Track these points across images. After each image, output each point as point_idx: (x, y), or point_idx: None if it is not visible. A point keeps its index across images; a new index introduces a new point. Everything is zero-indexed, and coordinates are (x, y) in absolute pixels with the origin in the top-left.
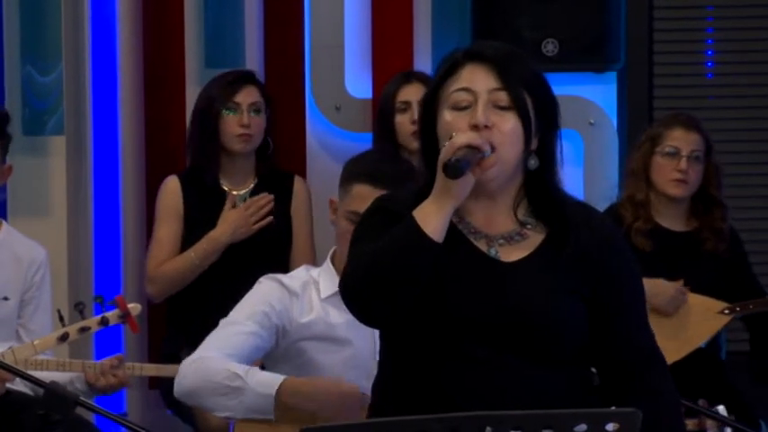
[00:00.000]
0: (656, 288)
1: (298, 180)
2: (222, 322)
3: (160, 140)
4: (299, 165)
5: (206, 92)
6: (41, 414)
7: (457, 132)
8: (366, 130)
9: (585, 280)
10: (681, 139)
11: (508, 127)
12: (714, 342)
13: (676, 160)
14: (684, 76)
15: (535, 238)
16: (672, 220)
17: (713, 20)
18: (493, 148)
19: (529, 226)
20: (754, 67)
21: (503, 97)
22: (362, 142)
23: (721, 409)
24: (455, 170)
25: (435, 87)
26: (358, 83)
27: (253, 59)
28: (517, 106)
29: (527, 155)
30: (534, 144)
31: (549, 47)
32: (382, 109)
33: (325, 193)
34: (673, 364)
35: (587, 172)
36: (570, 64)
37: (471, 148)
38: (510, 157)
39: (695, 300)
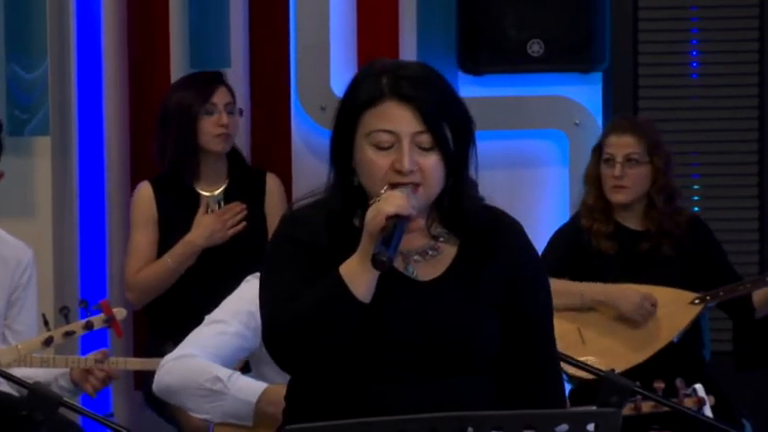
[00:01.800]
0: (624, 293)
1: (270, 177)
2: (207, 319)
3: (145, 141)
4: (284, 165)
5: (179, 95)
6: (25, 415)
7: (384, 193)
8: None
9: (499, 290)
10: (613, 145)
11: (431, 167)
12: (697, 341)
13: (610, 167)
14: (669, 77)
15: (449, 251)
16: (631, 220)
17: (697, 20)
18: (417, 186)
19: (441, 239)
20: (739, 68)
21: (426, 140)
22: None
23: (699, 387)
24: (384, 266)
25: (352, 111)
26: (343, 83)
27: (237, 60)
28: (440, 146)
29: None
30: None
31: (535, 47)
32: None
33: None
34: (652, 362)
35: (573, 172)
36: (555, 64)
37: (399, 216)
38: (433, 192)
39: (664, 293)
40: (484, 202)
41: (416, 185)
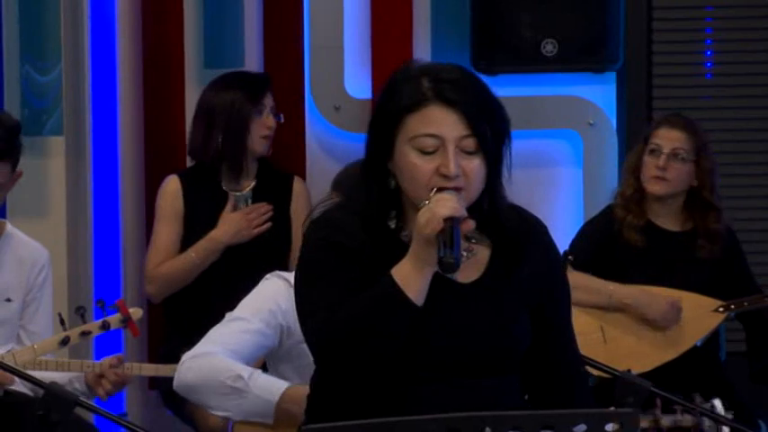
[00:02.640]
0: (650, 298)
1: (297, 181)
2: (228, 316)
3: (159, 141)
4: (298, 165)
5: (229, 94)
6: (41, 414)
7: (435, 196)
8: (365, 131)
9: (531, 292)
10: (663, 137)
11: (475, 170)
12: (713, 342)
13: (656, 157)
14: (683, 77)
15: (483, 253)
16: (665, 219)
17: (712, 20)
18: (458, 190)
19: (474, 240)
20: (753, 68)
21: (471, 144)
22: (362, 142)
23: (717, 402)
24: (453, 268)
25: (394, 115)
26: (357, 83)
27: (252, 60)
28: (484, 150)
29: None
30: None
31: (549, 47)
32: None
33: (324, 192)
34: (670, 363)
35: (586, 172)
36: (569, 64)
37: (452, 219)
38: (475, 194)
39: (689, 298)
40: (509, 202)
41: (459, 189)
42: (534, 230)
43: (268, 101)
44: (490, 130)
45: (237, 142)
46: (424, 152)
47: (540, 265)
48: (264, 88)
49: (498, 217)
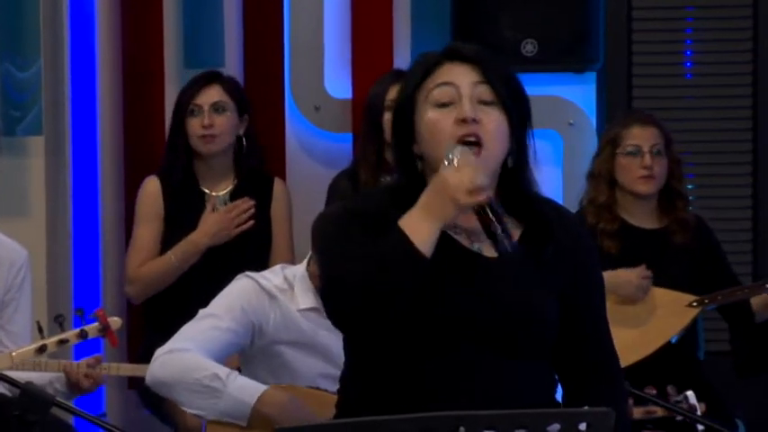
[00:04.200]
0: (619, 278)
1: (278, 182)
2: (200, 313)
3: (139, 141)
4: (278, 165)
5: (177, 95)
6: (17, 415)
7: (461, 156)
8: (346, 131)
9: (561, 278)
10: (640, 137)
11: (494, 122)
12: (691, 340)
13: (639, 158)
14: (663, 77)
15: (513, 234)
16: (641, 218)
17: (692, 20)
18: (479, 144)
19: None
20: (733, 68)
21: (486, 91)
22: (342, 142)
23: (690, 394)
24: (503, 246)
25: (411, 89)
26: (337, 83)
27: (232, 59)
28: (501, 100)
29: (509, 152)
30: (512, 143)
31: (529, 47)
32: (371, 107)
33: (305, 193)
34: (647, 362)
35: (566, 172)
36: (549, 64)
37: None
38: (497, 154)
39: (663, 294)
40: (542, 195)
41: (479, 147)
42: (567, 219)
43: (206, 99)
44: (508, 93)
45: (176, 142)
46: (440, 105)
47: (571, 252)
48: (200, 86)
49: (529, 199)
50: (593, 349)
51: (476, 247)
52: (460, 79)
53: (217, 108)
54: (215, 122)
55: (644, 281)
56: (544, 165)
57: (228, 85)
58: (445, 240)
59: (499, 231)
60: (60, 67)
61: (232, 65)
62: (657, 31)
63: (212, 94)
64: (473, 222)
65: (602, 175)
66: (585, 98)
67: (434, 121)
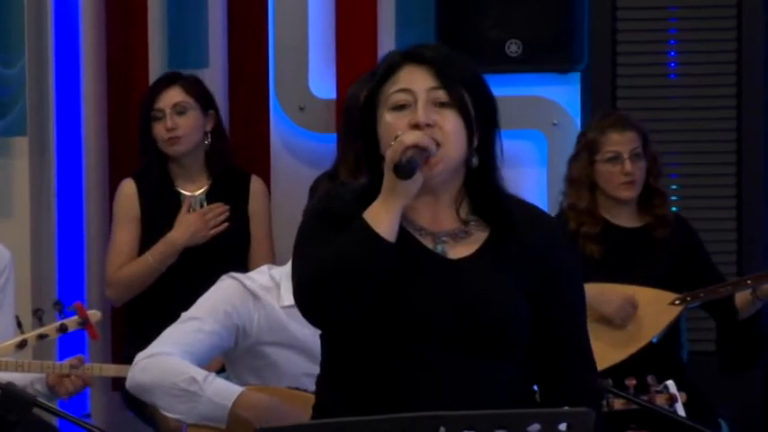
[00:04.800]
0: (604, 295)
1: (255, 180)
2: (183, 316)
3: (124, 141)
4: (262, 165)
5: (140, 102)
6: None
7: (402, 132)
8: (330, 131)
9: (530, 276)
10: (618, 143)
11: (449, 124)
12: (674, 340)
13: (620, 164)
14: (647, 77)
15: (479, 236)
16: (623, 218)
17: (676, 20)
18: (438, 145)
19: (472, 223)
20: (717, 68)
21: (441, 95)
22: (326, 143)
23: (670, 384)
24: (406, 170)
25: (374, 89)
26: (322, 83)
27: (216, 60)
28: (456, 104)
29: (470, 153)
30: (475, 142)
31: (513, 47)
32: (349, 108)
33: (289, 193)
34: (630, 362)
35: (551, 172)
36: (534, 64)
37: (418, 147)
38: (454, 155)
39: (646, 293)
40: (516, 197)
41: (436, 144)
42: (539, 219)
43: (166, 101)
44: (469, 96)
45: (146, 146)
46: (397, 108)
47: (543, 251)
48: (159, 90)
49: (493, 198)
50: (568, 349)
51: (440, 249)
52: (417, 85)
53: (178, 110)
54: (178, 124)
55: (628, 307)
56: (528, 165)
57: (188, 84)
58: (410, 243)
59: (396, 161)
60: (44, 68)
61: (216, 65)
62: (641, 32)
63: (172, 96)
64: (436, 225)
65: (582, 181)
66: (570, 98)
67: (390, 123)
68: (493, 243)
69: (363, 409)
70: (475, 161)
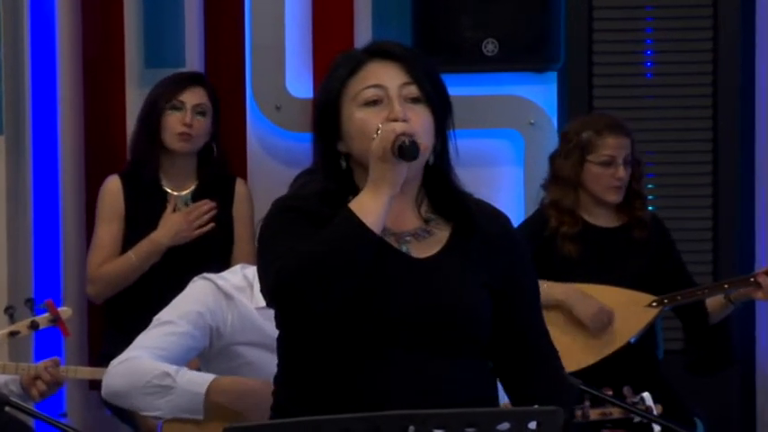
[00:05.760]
0: (582, 299)
1: (239, 182)
2: (155, 320)
3: (100, 141)
4: (239, 164)
5: (153, 90)
6: None
7: (384, 123)
8: (307, 130)
9: (493, 272)
10: (614, 147)
11: (422, 119)
12: (649, 339)
13: (613, 168)
14: (624, 76)
15: (441, 235)
16: (602, 218)
17: (652, 20)
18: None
19: (433, 222)
20: (693, 67)
21: (413, 90)
22: (303, 142)
23: (646, 395)
24: (411, 151)
25: (337, 88)
26: (299, 83)
27: (193, 59)
28: (427, 98)
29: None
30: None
31: (490, 47)
32: None
33: (266, 193)
34: (606, 361)
35: (528, 171)
36: (510, 64)
37: (406, 135)
38: (426, 150)
39: (623, 294)
40: (471, 195)
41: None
42: (494, 216)
43: (190, 98)
44: (434, 93)
45: (150, 136)
46: (368, 104)
47: (501, 248)
48: (184, 84)
49: (452, 195)
50: (529, 344)
51: (404, 248)
52: (388, 81)
53: (199, 110)
54: (195, 124)
55: (602, 317)
56: (505, 164)
57: (210, 89)
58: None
59: (398, 143)
60: (20, 67)
61: (193, 64)
62: (618, 31)
63: (197, 95)
64: (399, 225)
65: (570, 179)
66: (546, 98)
67: (363, 119)
68: (456, 241)
69: (325, 410)
70: (431, 159)
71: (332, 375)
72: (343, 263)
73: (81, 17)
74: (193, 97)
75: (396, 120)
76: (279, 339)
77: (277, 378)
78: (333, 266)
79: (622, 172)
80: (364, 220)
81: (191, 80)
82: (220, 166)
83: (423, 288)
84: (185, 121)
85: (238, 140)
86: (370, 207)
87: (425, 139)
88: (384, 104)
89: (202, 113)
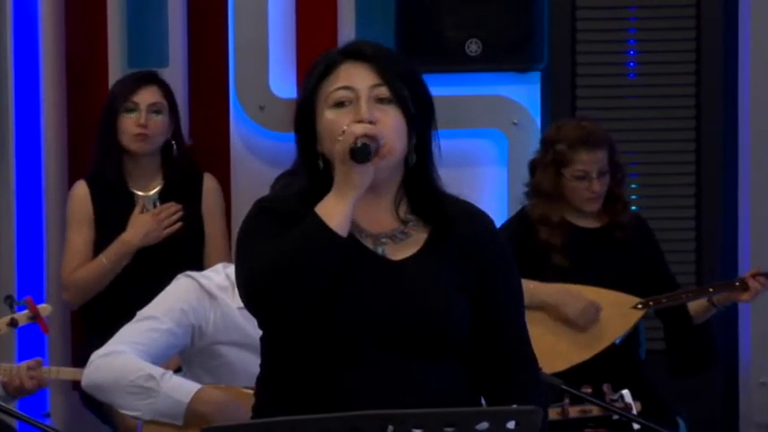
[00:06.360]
0: (569, 297)
1: (207, 177)
2: (139, 315)
3: (83, 141)
4: (223, 164)
5: (110, 92)
6: None
7: (348, 125)
8: (290, 130)
9: (470, 275)
10: (588, 162)
11: (391, 120)
12: (632, 339)
13: (587, 182)
14: (607, 76)
15: (419, 237)
16: (587, 220)
17: (635, 20)
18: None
19: (411, 224)
20: (676, 68)
21: (383, 92)
22: (286, 142)
23: (626, 393)
24: (362, 153)
25: (312, 88)
26: (282, 82)
27: (176, 59)
28: (398, 99)
29: (409, 150)
30: (414, 140)
31: (473, 47)
32: None
33: (249, 192)
34: (589, 361)
35: (511, 171)
36: (493, 64)
37: (368, 136)
38: (396, 151)
39: (608, 296)
40: (453, 196)
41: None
42: (476, 217)
43: (144, 98)
44: (409, 93)
45: (107, 139)
46: (338, 105)
47: (477, 246)
48: (138, 85)
49: (431, 197)
50: (505, 348)
51: (380, 250)
52: (358, 82)
53: (154, 109)
54: (150, 123)
55: (591, 311)
56: (489, 164)
57: (165, 87)
58: (351, 244)
59: (359, 144)
60: (3, 67)
61: (176, 64)
62: (601, 31)
63: (151, 95)
64: (376, 226)
65: (551, 193)
66: (530, 98)
67: (331, 120)
68: (433, 244)
69: (302, 410)
70: (413, 159)
71: (308, 376)
72: (308, 266)
73: (64, 17)
74: (147, 97)
75: (361, 121)
76: (261, 340)
77: (259, 378)
78: (298, 270)
79: (597, 186)
80: (329, 224)
81: (144, 80)
82: (185, 162)
83: (395, 290)
84: (140, 122)
85: (222, 140)
86: (334, 210)
87: (394, 141)
88: (353, 106)
89: (158, 112)
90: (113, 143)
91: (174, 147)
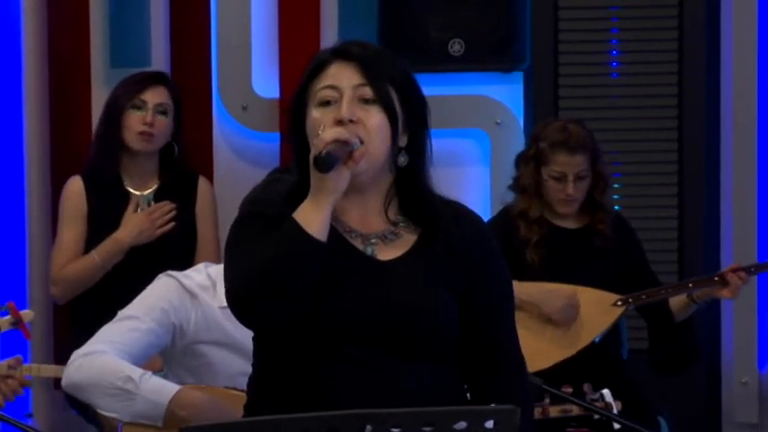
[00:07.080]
0: (549, 295)
1: (202, 180)
2: (120, 314)
3: (65, 141)
4: (205, 164)
5: (115, 89)
6: None
7: (324, 128)
8: (273, 130)
9: (459, 276)
10: (566, 164)
11: (374, 121)
12: (614, 338)
13: (563, 184)
14: (589, 76)
15: (409, 238)
16: (566, 221)
17: (617, 20)
18: (361, 142)
19: (401, 225)
20: (659, 68)
21: (367, 92)
22: (270, 142)
23: (606, 392)
24: (325, 163)
25: (303, 86)
26: (265, 82)
27: (159, 59)
28: (381, 100)
29: (396, 151)
30: (404, 141)
31: (456, 47)
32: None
33: (232, 193)
34: (570, 361)
35: (494, 171)
36: (476, 64)
37: (339, 141)
38: (378, 152)
39: (588, 293)
40: (444, 197)
41: (360, 141)
42: (463, 217)
43: (152, 97)
44: (397, 95)
45: (111, 136)
46: (323, 104)
47: (467, 248)
48: (147, 84)
49: (421, 199)
50: (496, 348)
51: (369, 250)
52: (343, 81)
53: (161, 110)
54: (156, 123)
55: (569, 308)
56: (472, 164)
57: (173, 89)
58: (340, 244)
59: (322, 154)
60: None
61: (159, 64)
62: (583, 31)
63: (159, 95)
64: (366, 227)
65: (532, 190)
66: (513, 97)
67: (317, 119)
68: (422, 245)
69: (290, 410)
70: (404, 161)
71: (296, 376)
72: (288, 272)
73: (46, 16)
74: (155, 96)
75: (341, 120)
76: (253, 339)
77: (251, 378)
78: (280, 277)
79: (571, 189)
80: (307, 229)
81: (153, 79)
82: (182, 165)
83: (383, 290)
84: (146, 120)
85: (204, 140)
86: (311, 216)
87: (375, 142)
88: (337, 105)
89: (164, 113)
90: (115, 140)
91: (176, 149)
